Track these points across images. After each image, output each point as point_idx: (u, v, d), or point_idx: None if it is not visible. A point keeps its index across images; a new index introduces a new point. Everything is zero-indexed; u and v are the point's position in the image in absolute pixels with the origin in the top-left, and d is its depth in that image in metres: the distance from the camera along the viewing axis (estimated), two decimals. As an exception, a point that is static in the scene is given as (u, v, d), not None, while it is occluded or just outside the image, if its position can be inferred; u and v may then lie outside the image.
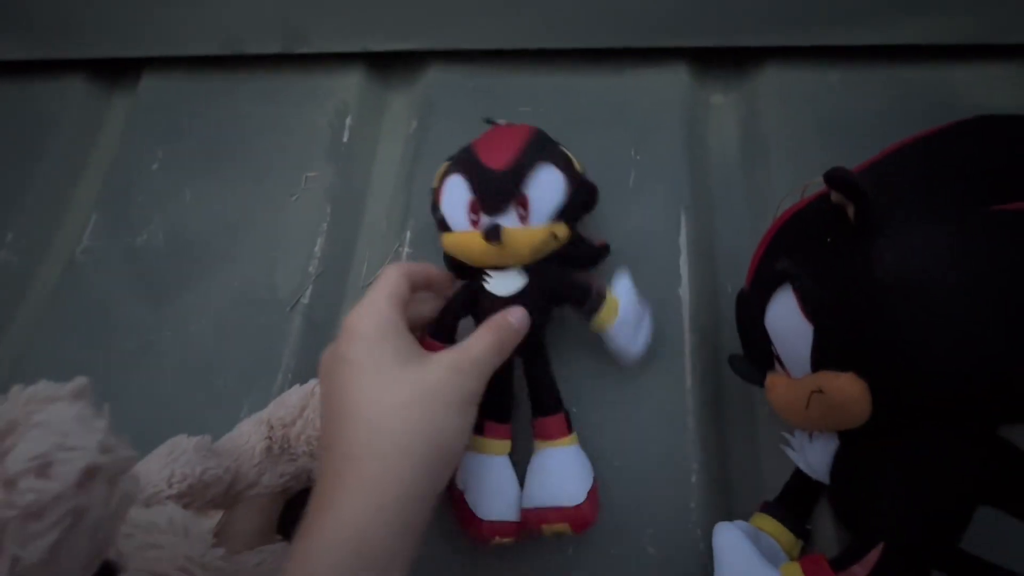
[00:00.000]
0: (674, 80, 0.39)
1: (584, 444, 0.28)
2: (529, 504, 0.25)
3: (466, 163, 0.28)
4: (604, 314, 0.28)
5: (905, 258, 0.18)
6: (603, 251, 0.32)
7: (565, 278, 0.29)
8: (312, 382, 0.30)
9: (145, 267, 0.38)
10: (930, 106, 0.35)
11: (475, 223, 0.27)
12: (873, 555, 0.19)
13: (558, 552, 0.27)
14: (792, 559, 0.24)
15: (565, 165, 0.28)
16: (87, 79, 0.46)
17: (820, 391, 0.20)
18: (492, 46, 0.40)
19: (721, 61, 0.40)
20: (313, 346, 0.34)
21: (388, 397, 0.21)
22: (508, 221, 0.27)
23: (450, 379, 0.22)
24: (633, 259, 0.33)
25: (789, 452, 0.26)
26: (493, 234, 0.26)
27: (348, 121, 0.41)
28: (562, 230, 0.28)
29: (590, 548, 0.27)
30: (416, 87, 0.43)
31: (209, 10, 0.41)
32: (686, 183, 0.35)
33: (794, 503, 0.26)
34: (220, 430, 0.29)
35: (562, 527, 0.24)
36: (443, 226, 0.29)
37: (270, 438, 0.28)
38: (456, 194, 0.28)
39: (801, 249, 0.21)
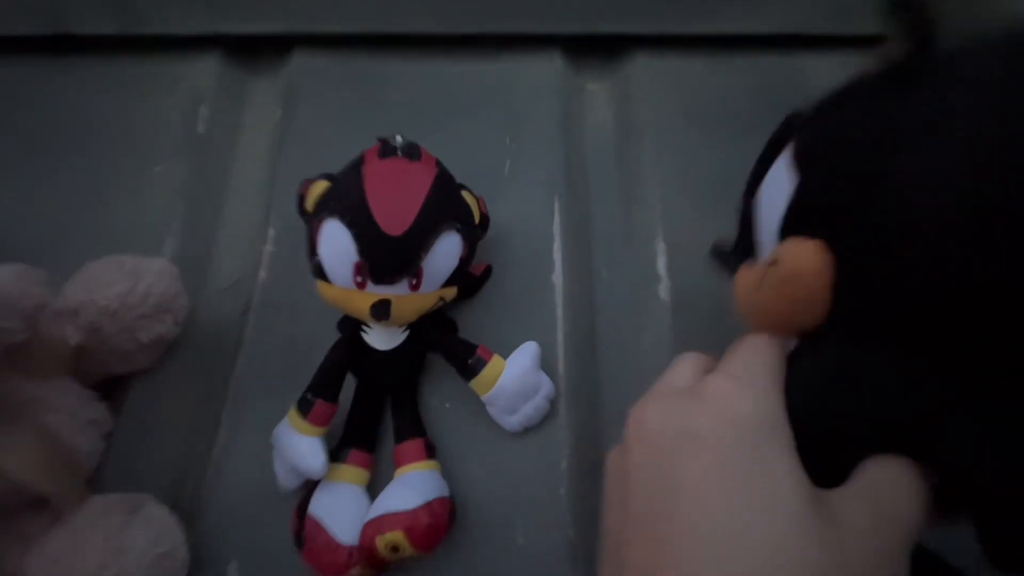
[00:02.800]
0: (549, 67, 0.39)
1: (453, 435, 0.28)
2: (365, 520, 0.24)
3: (355, 216, 0.24)
4: (479, 382, 0.27)
5: (931, 106, 0.13)
6: (484, 278, 0.31)
7: (446, 336, 0.28)
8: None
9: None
10: (785, 91, 0.37)
11: (360, 284, 0.24)
12: None
13: (428, 560, 0.26)
14: None
15: (465, 222, 0.26)
16: None
17: (775, 263, 0.16)
18: (361, 30, 0.38)
19: (595, 49, 0.40)
20: (171, 354, 0.31)
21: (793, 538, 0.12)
22: (398, 289, 0.25)
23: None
24: (507, 247, 0.33)
25: None
26: (382, 312, 0.24)
27: (203, 110, 0.37)
28: (451, 292, 0.27)
29: (460, 545, 0.26)
30: (280, 74, 0.40)
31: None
32: (560, 170, 0.35)
33: None
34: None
35: (396, 536, 0.23)
36: (319, 273, 0.25)
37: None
38: (339, 247, 0.24)
39: (828, 101, 0.17)
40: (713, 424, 0.14)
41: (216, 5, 0.37)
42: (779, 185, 0.16)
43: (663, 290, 0.32)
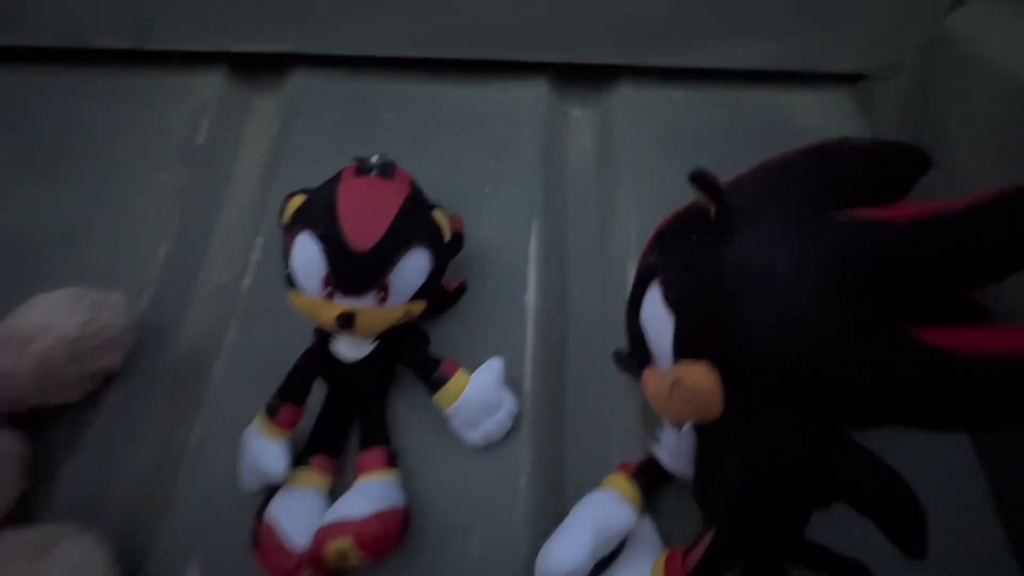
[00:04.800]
0: (535, 93, 0.40)
1: (419, 444, 0.29)
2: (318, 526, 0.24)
3: (326, 230, 0.24)
4: (442, 395, 0.27)
5: (748, 251, 0.19)
6: (457, 295, 0.32)
7: (413, 350, 0.29)
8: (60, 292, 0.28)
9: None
10: (758, 124, 0.38)
11: (329, 296, 0.25)
12: (706, 539, 0.20)
13: (380, 567, 0.27)
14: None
15: (434, 241, 0.27)
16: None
17: (678, 383, 0.20)
18: (359, 52, 0.40)
19: (580, 77, 0.42)
20: (152, 355, 0.32)
21: None
22: (365, 302, 0.25)
23: None
24: (484, 265, 0.34)
25: (656, 449, 0.26)
26: (346, 323, 0.25)
27: (204, 122, 0.39)
28: (419, 307, 0.28)
29: (415, 553, 0.27)
30: (280, 90, 0.42)
31: None
32: (540, 192, 0.36)
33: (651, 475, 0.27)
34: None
35: (345, 542, 0.23)
36: (291, 282, 0.26)
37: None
38: (309, 259, 0.25)
39: (672, 245, 0.22)
40: None
41: (223, 24, 0.40)
42: (659, 315, 0.21)
43: (633, 313, 0.33)
